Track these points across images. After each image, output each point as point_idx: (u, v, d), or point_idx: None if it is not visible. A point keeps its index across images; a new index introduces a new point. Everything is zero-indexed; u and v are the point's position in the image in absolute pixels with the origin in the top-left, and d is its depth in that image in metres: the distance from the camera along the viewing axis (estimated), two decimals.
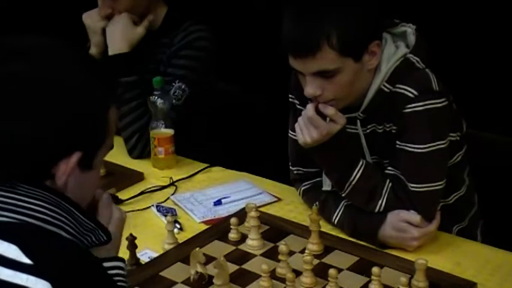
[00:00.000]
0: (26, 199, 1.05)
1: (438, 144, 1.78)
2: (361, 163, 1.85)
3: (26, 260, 1.00)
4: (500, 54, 3.18)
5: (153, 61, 2.47)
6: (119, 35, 2.38)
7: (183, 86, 2.38)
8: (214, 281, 1.64)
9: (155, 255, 1.83)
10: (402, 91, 1.78)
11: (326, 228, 1.90)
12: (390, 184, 1.83)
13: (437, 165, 1.82)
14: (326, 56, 1.71)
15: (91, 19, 2.46)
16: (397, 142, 1.82)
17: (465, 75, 3.10)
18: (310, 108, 1.79)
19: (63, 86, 1.08)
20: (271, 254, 1.77)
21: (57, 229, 1.07)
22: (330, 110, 1.77)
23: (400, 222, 1.80)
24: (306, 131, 1.80)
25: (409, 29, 1.86)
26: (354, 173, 1.85)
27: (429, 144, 1.77)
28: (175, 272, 1.72)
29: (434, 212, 1.81)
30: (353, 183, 1.85)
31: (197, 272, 1.61)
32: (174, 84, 2.37)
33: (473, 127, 2.13)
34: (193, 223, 2.01)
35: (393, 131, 1.82)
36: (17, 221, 1.04)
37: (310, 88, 1.76)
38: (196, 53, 2.43)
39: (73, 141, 1.09)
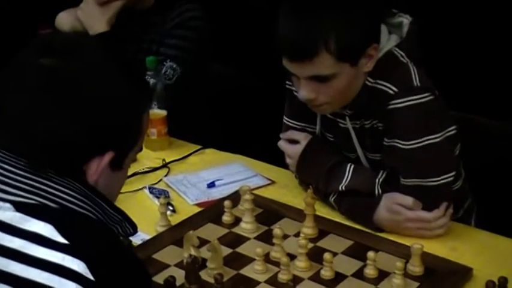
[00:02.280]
0: (58, 187, 1.05)
1: (427, 140, 1.72)
2: (348, 166, 1.85)
3: (62, 240, 1.00)
4: (494, 38, 3.15)
5: (146, 41, 2.43)
6: (90, 18, 2.36)
7: (174, 66, 2.36)
8: (207, 264, 1.61)
9: (148, 237, 1.79)
10: (383, 87, 1.74)
11: (321, 212, 1.87)
12: (383, 177, 1.81)
13: (430, 161, 1.75)
14: (323, 61, 1.66)
15: (63, 20, 2.45)
16: (385, 139, 1.78)
17: (459, 60, 3.08)
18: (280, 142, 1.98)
19: (99, 87, 1.08)
20: (265, 238, 1.75)
21: (88, 213, 1.08)
22: (289, 135, 1.96)
23: (394, 205, 1.77)
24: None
25: (406, 20, 1.82)
26: (344, 177, 1.84)
27: (416, 141, 1.72)
28: (168, 255, 1.70)
29: (433, 206, 1.76)
30: (344, 186, 1.84)
31: (190, 255, 1.58)
32: (165, 63, 2.35)
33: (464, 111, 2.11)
34: (187, 205, 1.98)
35: (380, 128, 1.79)
36: (52, 204, 1.04)
37: (305, 92, 1.73)
38: (189, 33, 2.40)
39: (107, 141, 1.09)
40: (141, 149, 1.19)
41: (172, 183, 2.09)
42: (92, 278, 0.96)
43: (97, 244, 1.02)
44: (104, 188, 1.10)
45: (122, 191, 1.99)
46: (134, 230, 1.16)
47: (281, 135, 1.99)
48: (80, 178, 1.07)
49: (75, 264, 0.97)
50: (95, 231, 1.06)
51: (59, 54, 1.06)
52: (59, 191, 1.04)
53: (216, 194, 2.03)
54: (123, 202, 1.96)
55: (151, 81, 2.23)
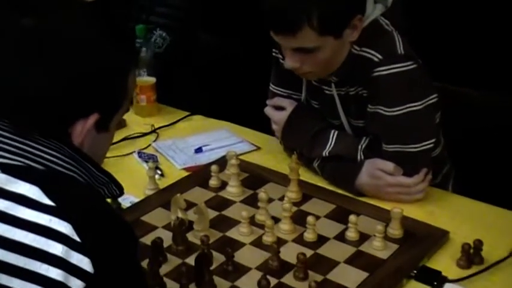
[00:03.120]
0: (44, 149, 1.01)
1: (409, 107, 1.69)
2: (332, 132, 1.83)
3: (48, 202, 0.96)
4: (477, 10, 3.12)
5: (136, 8, 2.39)
6: None
7: (163, 34, 2.32)
8: (194, 226, 1.60)
9: (137, 200, 1.77)
10: (368, 55, 1.71)
11: (305, 177, 1.86)
12: (365, 143, 1.79)
13: (411, 128, 1.73)
14: (306, 35, 1.62)
15: None
16: (368, 106, 1.76)
17: (444, 29, 3.05)
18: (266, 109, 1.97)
19: (78, 40, 1.02)
20: (251, 201, 1.73)
21: (74, 175, 1.04)
22: (275, 102, 1.94)
23: (375, 170, 1.76)
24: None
25: None
26: (328, 143, 1.82)
27: (398, 108, 1.69)
28: (156, 217, 1.68)
29: (413, 172, 1.75)
30: (328, 152, 1.82)
31: (178, 218, 1.57)
32: (155, 32, 2.31)
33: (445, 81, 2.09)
34: (174, 170, 1.96)
35: (364, 95, 1.77)
36: (38, 166, 1.01)
37: (290, 61, 1.71)
38: (179, 1, 2.36)
39: (90, 102, 1.04)
40: (127, 111, 1.14)
41: (161, 148, 2.06)
42: (78, 239, 0.93)
43: (84, 206, 0.99)
44: (89, 150, 1.06)
45: (111, 155, 2.02)
46: (120, 191, 1.13)
47: (267, 102, 1.97)
48: (66, 140, 1.03)
49: (62, 226, 0.94)
50: (82, 193, 1.02)
51: (40, 10, 1.01)
52: (45, 152, 1.00)
53: (203, 159, 2.01)
54: (112, 166, 1.96)
55: (141, 49, 2.20)
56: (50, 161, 1.01)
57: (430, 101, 1.73)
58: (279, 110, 1.94)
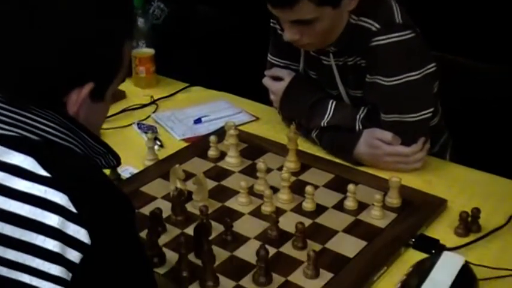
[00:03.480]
0: (39, 119, 0.98)
1: (407, 76, 1.65)
2: (330, 102, 1.80)
3: (43, 172, 0.93)
4: None
5: None
6: None
7: (161, 6, 2.28)
8: (193, 196, 1.57)
9: (136, 171, 1.75)
10: (366, 24, 1.67)
11: (303, 146, 1.83)
12: (363, 113, 1.76)
13: (409, 97, 1.69)
14: (303, 7, 1.58)
15: None
16: (367, 75, 1.72)
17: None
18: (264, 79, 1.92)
19: (71, 7, 0.97)
20: (250, 171, 1.70)
21: (70, 145, 1.01)
22: (273, 72, 1.90)
23: (373, 140, 1.73)
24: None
25: None
26: (326, 113, 1.79)
27: (396, 77, 1.65)
28: (155, 188, 1.65)
29: (411, 141, 1.71)
30: (326, 122, 1.78)
31: (176, 188, 1.54)
32: (153, 3, 2.26)
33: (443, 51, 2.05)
34: (174, 141, 1.93)
35: (362, 65, 1.73)
36: (33, 137, 0.97)
37: (289, 34, 1.67)
38: None
39: (85, 70, 1.00)
40: (123, 81, 1.10)
41: (160, 120, 2.03)
42: (74, 210, 0.91)
43: (80, 177, 0.96)
44: (85, 120, 1.02)
45: (110, 126, 1.99)
46: (118, 161, 1.09)
47: (265, 73, 1.94)
48: (61, 110, 1.00)
49: (58, 197, 0.91)
50: (78, 164, 0.99)
51: None
52: (40, 123, 0.97)
53: (202, 130, 1.97)
54: (112, 137, 1.94)
55: (139, 20, 2.16)
56: (45, 131, 0.97)
57: (428, 70, 1.69)
58: (277, 80, 1.90)
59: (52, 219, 0.90)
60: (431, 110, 1.72)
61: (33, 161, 0.93)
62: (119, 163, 1.10)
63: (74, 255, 0.90)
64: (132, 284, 0.98)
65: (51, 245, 0.90)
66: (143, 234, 1.39)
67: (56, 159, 0.96)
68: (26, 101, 0.97)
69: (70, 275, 0.90)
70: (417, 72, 1.67)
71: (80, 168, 0.98)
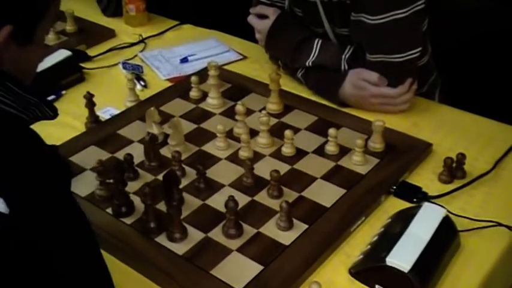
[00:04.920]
0: None
1: (394, 14, 1.42)
2: (316, 42, 1.57)
3: None
4: None
5: None
6: None
7: None
8: (168, 141, 1.38)
9: (117, 112, 1.55)
10: None
11: (288, 86, 1.62)
12: (349, 53, 1.54)
13: (396, 36, 1.46)
14: None
15: None
16: (352, 13, 1.49)
17: None
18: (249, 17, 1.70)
19: None
20: (231, 113, 1.48)
21: None
22: (258, 10, 1.68)
23: (359, 80, 1.51)
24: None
25: None
26: (312, 53, 1.57)
27: (382, 15, 1.42)
28: (132, 131, 1.45)
29: (397, 82, 1.49)
30: (311, 62, 1.57)
31: (149, 133, 1.34)
32: None
33: None
34: (159, 81, 1.72)
35: (347, 2, 1.48)
36: None
37: None
38: None
39: None
40: (56, 20, 0.88)
41: (147, 58, 1.82)
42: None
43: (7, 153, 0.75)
44: (13, 67, 0.82)
45: (97, 66, 1.78)
46: (54, 113, 0.89)
47: (250, 10, 1.70)
48: None
49: None
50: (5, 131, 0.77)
51: None
52: None
53: (189, 69, 1.76)
54: (97, 77, 1.74)
55: None
56: None
57: (416, 8, 1.45)
58: (262, 18, 1.68)
59: None
60: (419, 49, 1.49)
61: None
62: (55, 114, 0.89)
63: None
64: (68, 256, 0.79)
65: None
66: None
67: None
68: None
69: None
70: (404, 10, 1.43)
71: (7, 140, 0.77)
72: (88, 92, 1.47)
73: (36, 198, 0.75)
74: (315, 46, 1.58)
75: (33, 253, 0.74)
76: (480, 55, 1.91)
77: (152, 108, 1.39)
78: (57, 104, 1.60)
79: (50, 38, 1.88)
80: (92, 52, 1.84)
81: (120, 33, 1.97)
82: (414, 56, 1.48)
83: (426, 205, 1.16)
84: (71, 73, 1.69)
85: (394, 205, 1.24)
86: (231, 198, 1.12)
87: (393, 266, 1.03)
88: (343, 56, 1.54)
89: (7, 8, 0.79)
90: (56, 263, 0.76)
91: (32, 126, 0.84)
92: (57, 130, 1.48)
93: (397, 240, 1.07)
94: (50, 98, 1.62)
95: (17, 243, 0.72)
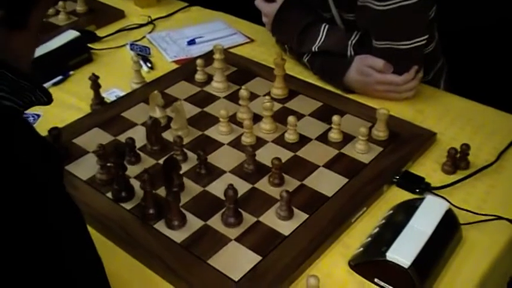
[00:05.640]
0: None
1: (402, 1, 1.32)
2: (323, 27, 1.48)
3: None
4: None
5: None
6: None
7: None
8: (171, 125, 1.30)
9: (122, 94, 1.48)
10: None
11: (294, 71, 1.54)
12: (356, 39, 1.45)
13: (403, 23, 1.37)
14: None
15: None
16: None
17: None
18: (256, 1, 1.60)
19: None
20: (235, 97, 1.40)
21: None
22: None
23: (364, 67, 1.43)
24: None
25: None
26: (318, 38, 1.48)
27: (390, 1, 1.32)
28: (136, 113, 1.37)
29: (403, 69, 1.41)
30: (317, 47, 1.48)
31: (150, 117, 1.27)
32: None
33: None
34: (165, 63, 1.64)
35: None
36: None
37: None
38: None
39: None
40: (53, 3, 0.80)
41: (155, 40, 1.74)
42: None
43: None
44: (6, 53, 0.74)
45: (105, 47, 1.71)
46: (48, 98, 0.81)
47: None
48: None
49: None
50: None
51: None
52: None
53: (195, 51, 1.68)
54: (104, 58, 1.66)
55: None
56: None
57: None
58: (269, 2, 1.59)
59: None
60: (426, 37, 1.40)
61: None
62: (50, 100, 0.81)
63: None
64: (57, 257, 0.71)
65: None
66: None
67: None
68: None
69: None
70: None
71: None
72: (93, 74, 1.40)
73: (23, 196, 0.68)
74: (321, 31, 1.49)
75: (20, 254, 0.67)
76: (488, 43, 1.82)
77: (156, 92, 1.32)
78: (64, 85, 1.57)
79: (61, 19, 1.81)
80: (101, 33, 1.76)
81: (130, 14, 1.89)
82: (421, 43, 1.40)
83: (429, 198, 1.08)
84: (79, 54, 1.62)
85: (396, 195, 1.17)
86: (230, 186, 1.04)
87: (393, 261, 0.95)
88: (350, 42, 1.46)
89: None
90: (45, 263, 0.69)
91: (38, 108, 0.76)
92: (62, 111, 1.42)
93: (398, 234, 1.00)
94: (58, 78, 1.55)
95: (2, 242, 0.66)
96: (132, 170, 1.19)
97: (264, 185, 1.16)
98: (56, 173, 0.74)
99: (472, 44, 1.82)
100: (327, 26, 1.49)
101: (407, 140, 1.29)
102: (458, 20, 1.77)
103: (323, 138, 1.30)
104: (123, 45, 1.71)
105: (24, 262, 0.67)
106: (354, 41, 1.45)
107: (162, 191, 1.14)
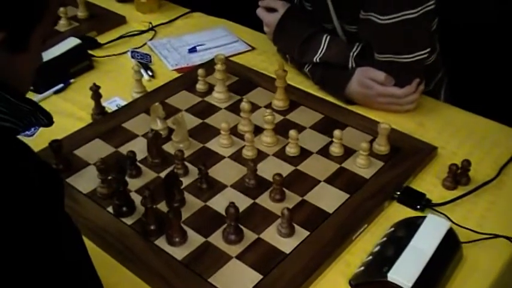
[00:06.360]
0: None
1: (404, 15, 1.32)
2: (324, 37, 1.47)
3: None
4: None
5: None
6: None
7: None
8: (172, 137, 1.29)
9: (124, 103, 1.46)
10: None
11: (295, 81, 1.53)
12: (357, 50, 1.44)
13: (405, 37, 1.35)
14: None
15: None
16: (361, 11, 1.39)
17: None
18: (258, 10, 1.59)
19: None
20: (236, 108, 1.38)
21: None
22: (267, 3, 1.57)
23: (366, 79, 1.42)
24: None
25: None
26: (319, 48, 1.46)
27: (392, 15, 1.32)
28: (137, 124, 1.36)
29: (405, 82, 1.40)
30: (319, 58, 1.46)
31: (151, 130, 1.26)
32: None
33: None
34: (166, 71, 1.62)
35: None
36: None
37: None
38: None
39: None
40: (54, 25, 0.78)
41: (156, 47, 1.72)
42: None
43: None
44: (6, 75, 0.73)
45: (105, 54, 1.69)
46: (49, 120, 0.79)
47: (260, 3, 1.61)
48: None
49: None
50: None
51: None
52: None
53: (196, 59, 1.67)
54: (105, 65, 1.64)
55: None
56: None
57: (427, 8, 1.35)
58: (271, 11, 1.58)
59: None
60: (428, 50, 1.39)
61: None
62: (50, 122, 0.79)
63: None
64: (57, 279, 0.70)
65: None
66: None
67: None
68: None
69: None
70: (415, 10, 1.33)
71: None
72: (94, 84, 1.39)
73: (21, 218, 0.66)
74: (323, 42, 1.48)
75: (18, 277, 0.66)
76: (488, 54, 1.81)
77: (157, 104, 1.31)
78: (65, 93, 1.55)
79: (62, 24, 1.79)
80: (102, 39, 1.75)
81: (131, 19, 1.87)
82: (423, 56, 1.39)
83: (430, 217, 1.07)
84: (80, 61, 1.60)
85: (397, 212, 1.16)
86: (232, 204, 1.03)
87: (395, 282, 0.95)
88: (351, 53, 1.44)
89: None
90: (44, 284, 0.68)
91: None
92: (63, 121, 1.40)
93: (399, 254, 0.99)
94: (59, 86, 1.54)
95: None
96: (133, 184, 1.18)
97: (265, 200, 1.15)
98: (56, 196, 0.73)
99: (472, 54, 1.81)
100: (328, 37, 1.48)
101: (409, 155, 1.28)
102: (458, 28, 1.76)
103: (324, 151, 1.29)
104: (124, 52, 1.69)
105: (23, 284, 0.66)
106: (355, 53, 1.44)
107: (163, 205, 1.13)
